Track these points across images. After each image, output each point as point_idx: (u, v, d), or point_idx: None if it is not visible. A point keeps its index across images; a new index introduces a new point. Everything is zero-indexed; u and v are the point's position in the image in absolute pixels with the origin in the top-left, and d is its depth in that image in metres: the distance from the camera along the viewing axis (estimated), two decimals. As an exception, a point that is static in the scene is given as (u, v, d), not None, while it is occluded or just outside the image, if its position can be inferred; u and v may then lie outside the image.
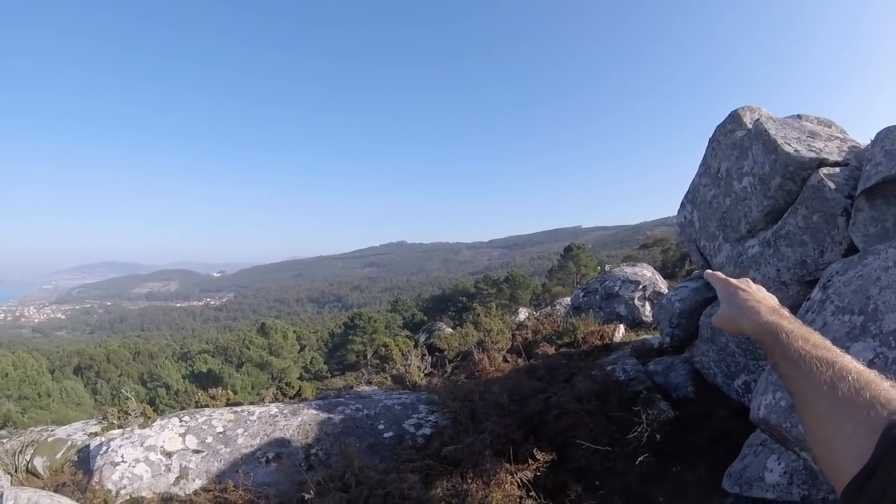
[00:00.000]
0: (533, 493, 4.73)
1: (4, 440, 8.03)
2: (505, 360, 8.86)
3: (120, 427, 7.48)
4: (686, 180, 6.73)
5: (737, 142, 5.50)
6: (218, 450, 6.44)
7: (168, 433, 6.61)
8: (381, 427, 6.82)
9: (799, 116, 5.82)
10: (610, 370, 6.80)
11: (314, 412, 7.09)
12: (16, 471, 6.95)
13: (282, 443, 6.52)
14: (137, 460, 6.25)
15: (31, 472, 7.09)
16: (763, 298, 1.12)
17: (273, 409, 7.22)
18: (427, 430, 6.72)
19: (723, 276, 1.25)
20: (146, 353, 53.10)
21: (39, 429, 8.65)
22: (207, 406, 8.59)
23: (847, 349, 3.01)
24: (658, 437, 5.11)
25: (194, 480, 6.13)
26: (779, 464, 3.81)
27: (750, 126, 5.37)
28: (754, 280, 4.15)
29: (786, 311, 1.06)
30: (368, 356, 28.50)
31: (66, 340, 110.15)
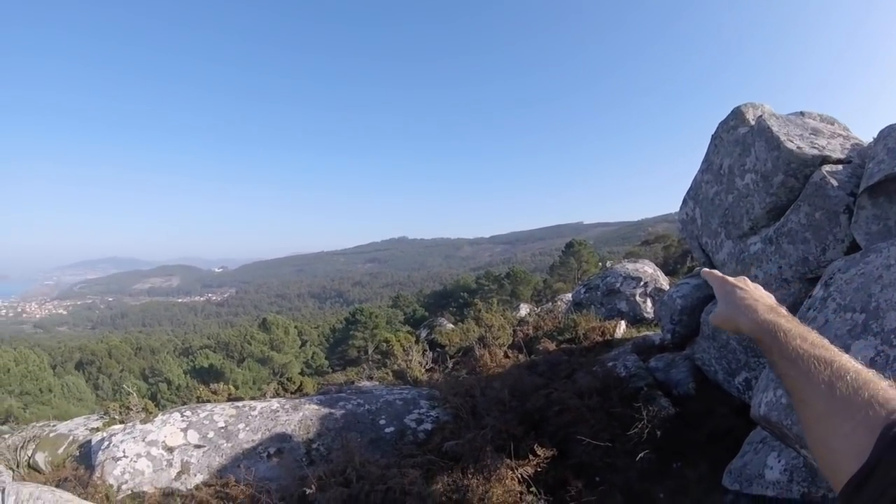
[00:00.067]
0: (533, 489, 4.73)
1: (6, 435, 8.05)
2: (506, 356, 8.86)
3: (121, 422, 7.50)
4: (688, 177, 6.73)
5: (739, 138, 5.49)
6: (219, 445, 6.46)
7: (169, 428, 6.62)
8: (382, 422, 6.83)
9: (802, 114, 5.81)
10: (611, 366, 6.81)
11: (315, 407, 7.10)
12: (17, 466, 6.97)
13: (283, 438, 6.54)
14: (139, 455, 6.27)
15: (33, 467, 7.11)
16: (760, 297, 1.11)
17: (274, 404, 7.24)
18: (428, 426, 6.73)
19: (720, 274, 1.24)
20: (148, 349, 53.17)
21: (41, 424, 8.67)
22: (209, 401, 8.61)
23: (848, 347, 3.03)
24: (659, 433, 5.12)
25: (196, 475, 6.14)
26: (779, 461, 3.81)
27: (753, 123, 5.36)
28: (756, 277, 4.14)
29: (783, 310, 1.05)
30: (369, 351, 28.53)
31: (67, 336, 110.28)
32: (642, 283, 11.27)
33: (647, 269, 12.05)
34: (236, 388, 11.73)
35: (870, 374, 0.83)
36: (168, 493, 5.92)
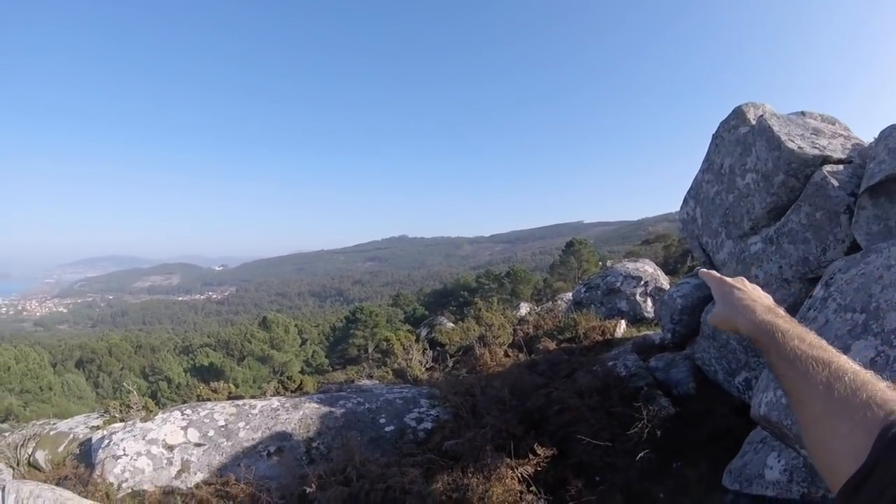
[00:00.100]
0: (533, 488, 4.74)
1: (6, 434, 8.05)
2: (506, 355, 8.87)
3: (122, 420, 7.50)
4: (689, 176, 6.72)
5: (740, 138, 5.49)
6: (220, 443, 6.46)
7: (170, 427, 6.63)
8: (382, 421, 6.83)
9: (803, 113, 5.81)
10: (611, 366, 6.81)
11: (315, 406, 7.11)
12: (18, 464, 6.98)
13: (283, 436, 6.54)
14: (139, 453, 6.27)
15: (33, 465, 7.12)
16: (758, 297, 1.11)
17: (275, 402, 7.24)
18: (428, 425, 6.73)
19: (717, 274, 1.24)
20: (148, 347, 53.20)
21: (41, 422, 8.67)
22: (209, 400, 8.61)
23: (849, 347, 3.02)
24: (659, 433, 5.12)
25: (196, 474, 6.15)
26: (779, 461, 3.81)
27: (754, 122, 5.36)
28: (757, 277, 4.14)
29: (781, 310, 1.05)
30: (370, 350, 28.55)
31: (67, 334, 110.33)
32: (643, 283, 11.27)
33: (648, 268, 12.05)
34: (236, 386, 11.75)
35: (868, 376, 0.83)
36: (168, 492, 5.92)
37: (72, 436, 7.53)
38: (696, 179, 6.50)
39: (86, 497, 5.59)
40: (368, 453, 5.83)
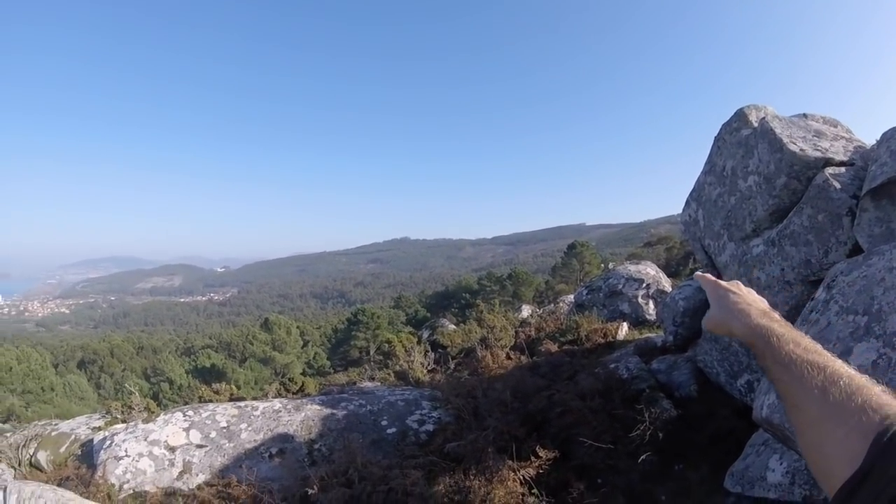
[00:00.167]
0: (535, 491, 4.74)
1: (8, 434, 8.06)
2: (508, 358, 8.86)
3: (123, 421, 7.51)
4: (691, 178, 6.72)
5: (742, 140, 5.48)
6: (221, 444, 6.47)
7: (172, 428, 6.63)
8: (384, 423, 6.83)
9: (805, 115, 5.81)
10: (613, 368, 6.81)
11: (317, 408, 7.11)
12: (19, 465, 6.98)
13: (285, 438, 6.54)
14: (141, 455, 6.28)
15: (35, 465, 7.12)
16: (754, 301, 1.12)
17: (276, 404, 7.24)
18: (430, 427, 6.73)
19: (712, 278, 1.25)
20: (150, 348, 53.26)
21: (43, 423, 8.68)
22: (211, 401, 8.62)
23: (850, 349, 3.03)
24: (660, 435, 5.12)
25: (198, 475, 6.15)
26: (781, 463, 3.81)
27: (756, 125, 5.35)
28: (759, 279, 4.15)
29: (776, 315, 1.06)
30: (371, 352, 28.57)
31: (69, 335, 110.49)
32: (644, 285, 11.26)
33: (650, 270, 12.04)
34: (238, 388, 11.75)
35: (863, 380, 0.83)
36: (170, 493, 5.92)
37: (73, 437, 7.54)
38: (698, 181, 6.50)
39: (87, 498, 5.59)
40: (370, 455, 5.83)
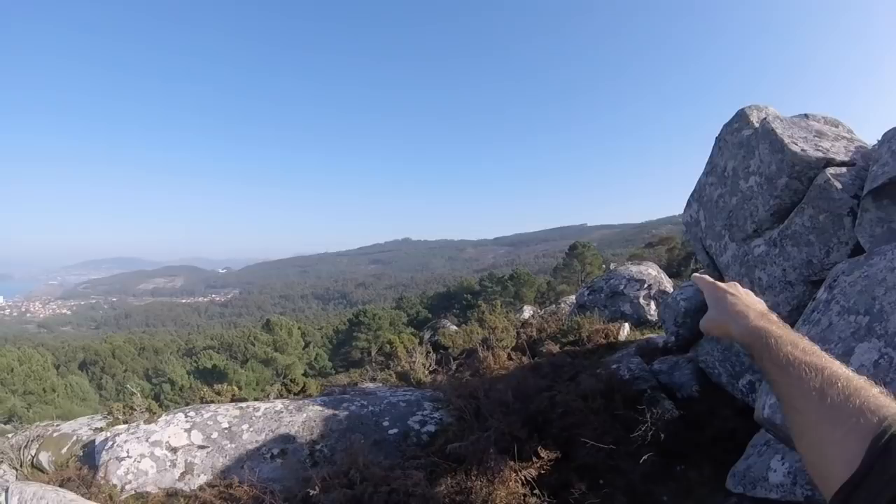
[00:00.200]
0: (537, 491, 4.74)
1: (10, 435, 8.07)
2: (510, 358, 8.86)
3: (125, 422, 7.51)
4: (692, 179, 6.71)
5: (743, 141, 5.48)
6: (223, 445, 6.47)
7: (173, 429, 6.64)
8: (385, 424, 6.83)
9: (806, 116, 5.80)
10: (615, 369, 6.81)
11: (319, 409, 7.11)
12: (21, 465, 6.99)
13: (287, 439, 6.55)
14: (143, 455, 6.28)
15: (37, 466, 7.13)
16: (751, 303, 1.12)
17: (278, 405, 7.25)
18: (432, 428, 6.73)
19: (710, 279, 1.25)
20: (151, 349, 53.31)
21: (45, 424, 8.69)
22: (212, 402, 8.62)
23: (852, 349, 3.03)
24: (662, 435, 5.11)
25: (199, 476, 6.15)
26: (783, 464, 3.81)
27: (757, 125, 5.35)
28: (760, 280, 4.16)
29: (774, 316, 1.06)
30: (373, 353, 28.55)
31: (71, 336, 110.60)
32: (646, 286, 11.26)
33: (651, 271, 12.04)
34: (240, 388, 11.75)
35: (861, 381, 0.83)
36: (172, 494, 5.93)
37: (75, 437, 7.54)
38: (699, 182, 6.50)
39: (89, 499, 5.60)
40: (372, 456, 5.83)
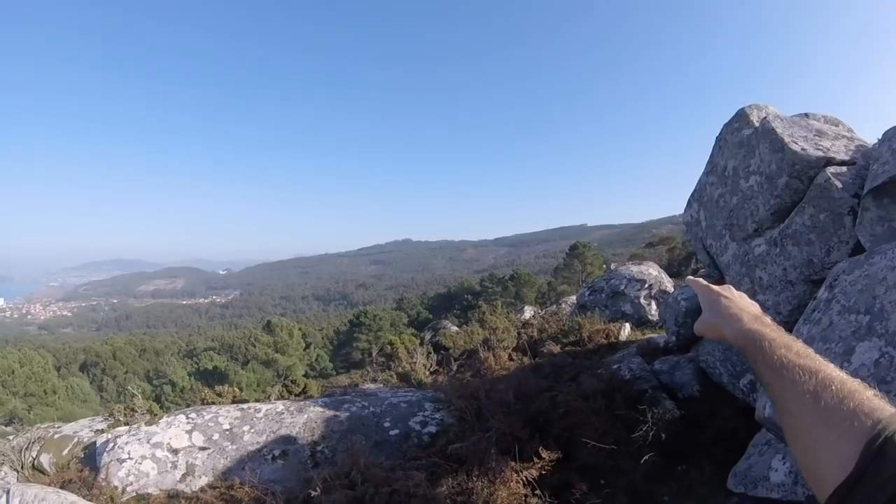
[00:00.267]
0: (538, 492, 4.73)
1: (11, 437, 8.07)
2: (510, 359, 8.86)
3: (126, 424, 7.51)
4: (692, 179, 6.71)
5: (744, 140, 5.48)
6: (224, 447, 6.47)
7: (174, 430, 6.64)
8: (386, 425, 6.83)
9: (806, 115, 5.80)
10: (615, 369, 6.80)
11: (320, 410, 7.11)
12: (22, 467, 7.00)
13: (288, 440, 6.55)
14: (144, 457, 6.28)
15: (38, 468, 7.13)
16: (745, 306, 1.12)
17: (279, 406, 7.25)
18: (433, 428, 6.73)
19: (704, 282, 1.25)
20: (152, 351, 53.34)
21: (46, 425, 8.70)
22: (214, 403, 8.62)
23: (853, 349, 3.03)
24: (663, 435, 5.11)
25: (201, 477, 6.15)
26: (784, 463, 3.80)
27: (757, 125, 5.35)
28: (761, 279, 4.17)
29: (768, 319, 1.06)
30: (374, 354, 28.56)
31: (72, 338, 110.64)
32: (647, 286, 11.25)
33: (652, 271, 12.03)
34: (241, 390, 11.76)
35: (855, 384, 0.84)
36: (173, 495, 5.93)
37: (76, 439, 7.55)
38: (699, 182, 6.49)
39: (90, 500, 5.61)
40: (373, 457, 5.83)
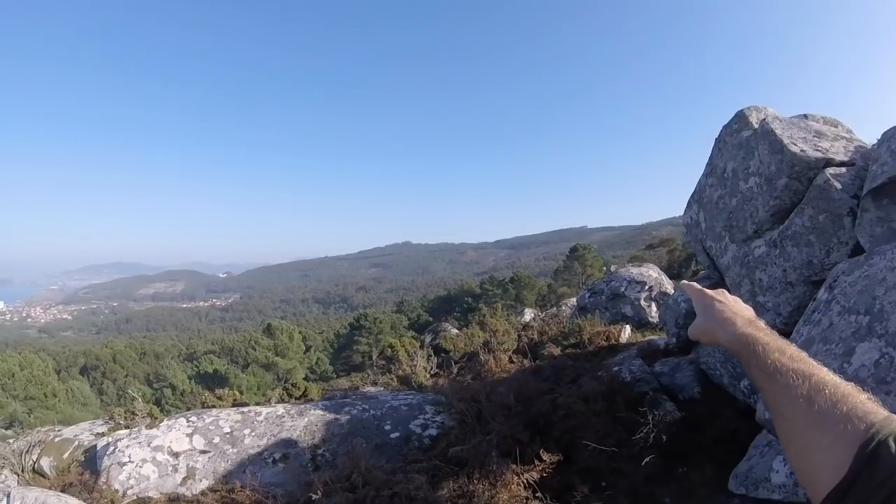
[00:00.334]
0: (539, 494, 4.73)
1: (11, 440, 8.07)
2: (511, 361, 8.86)
3: (126, 427, 7.50)
4: (692, 180, 6.72)
5: (743, 142, 5.49)
6: (225, 450, 6.46)
7: (175, 433, 6.63)
8: (387, 428, 6.82)
9: (805, 116, 5.81)
10: (616, 371, 6.80)
11: (320, 413, 7.11)
12: (23, 471, 6.99)
13: (288, 443, 6.54)
14: (144, 460, 6.27)
15: (38, 472, 7.12)
16: (739, 310, 1.12)
17: (280, 409, 7.24)
18: (433, 431, 6.73)
19: (698, 286, 1.26)
20: (152, 354, 53.34)
21: (46, 429, 8.69)
22: (214, 407, 8.61)
23: (853, 349, 3.03)
24: (664, 437, 5.11)
25: (201, 481, 6.15)
26: (784, 465, 3.80)
27: (756, 126, 5.36)
28: (761, 280, 4.18)
29: (762, 323, 1.07)
30: (374, 357, 28.54)
31: (72, 341, 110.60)
32: (647, 288, 11.26)
33: (652, 273, 12.04)
34: (241, 393, 11.75)
35: (849, 388, 0.84)
36: (174, 499, 5.92)
37: (77, 442, 7.54)
38: (699, 183, 6.50)
39: (91, 504, 5.60)
40: (374, 460, 5.83)
